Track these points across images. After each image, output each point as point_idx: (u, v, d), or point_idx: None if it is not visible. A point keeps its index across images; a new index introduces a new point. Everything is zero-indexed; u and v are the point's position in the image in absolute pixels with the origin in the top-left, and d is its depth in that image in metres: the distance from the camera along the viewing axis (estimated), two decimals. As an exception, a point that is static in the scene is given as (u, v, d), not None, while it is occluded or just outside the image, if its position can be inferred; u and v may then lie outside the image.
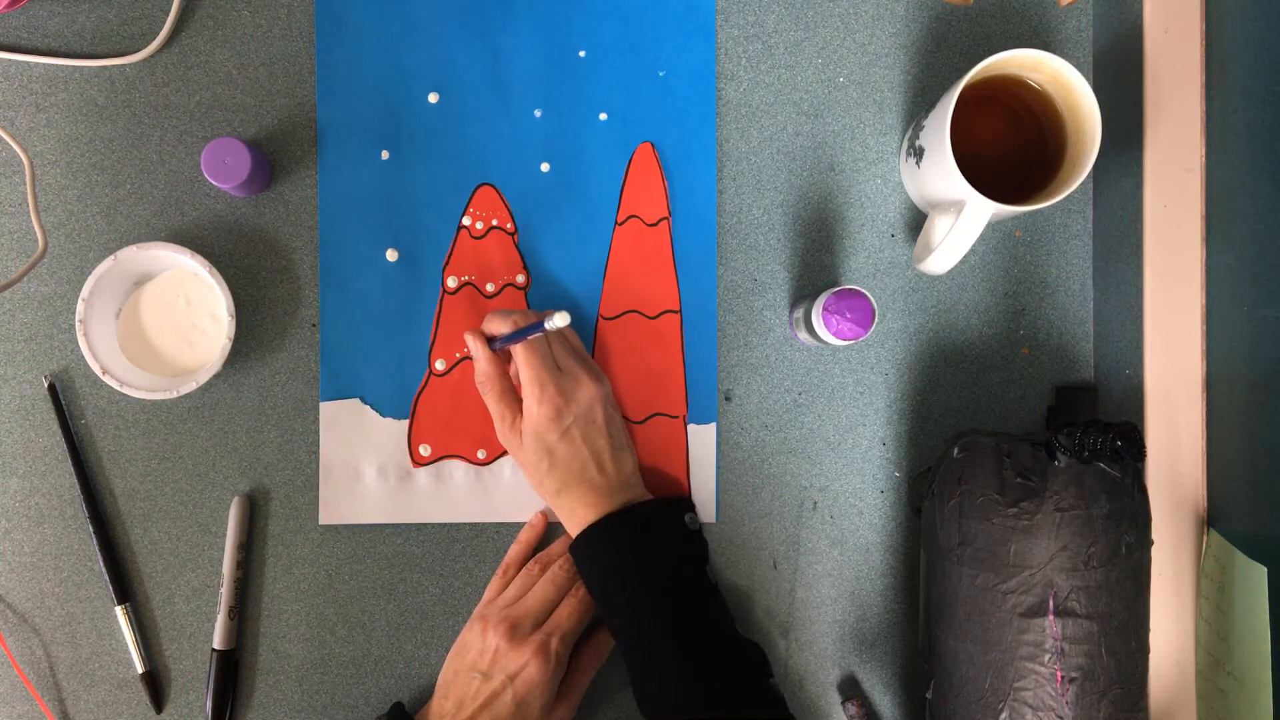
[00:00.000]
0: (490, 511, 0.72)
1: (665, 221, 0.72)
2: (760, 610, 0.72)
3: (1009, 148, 0.69)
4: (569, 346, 0.68)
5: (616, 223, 0.72)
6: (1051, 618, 0.59)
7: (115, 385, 0.66)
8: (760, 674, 0.64)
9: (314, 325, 0.72)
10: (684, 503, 0.68)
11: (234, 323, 0.67)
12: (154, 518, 0.71)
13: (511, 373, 0.68)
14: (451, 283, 0.72)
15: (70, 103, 0.71)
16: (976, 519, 0.61)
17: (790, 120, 0.73)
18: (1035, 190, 0.66)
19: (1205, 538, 0.65)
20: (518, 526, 0.72)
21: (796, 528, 0.72)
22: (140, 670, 0.70)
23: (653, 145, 0.72)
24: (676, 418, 0.72)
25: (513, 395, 0.67)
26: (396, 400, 0.71)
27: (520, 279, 0.72)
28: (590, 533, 0.65)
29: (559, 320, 0.59)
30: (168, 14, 0.71)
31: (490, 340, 0.67)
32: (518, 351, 0.65)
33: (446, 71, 0.72)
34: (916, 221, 0.73)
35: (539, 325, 0.62)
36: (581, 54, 0.72)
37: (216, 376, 0.69)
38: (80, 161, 0.71)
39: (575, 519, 0.66)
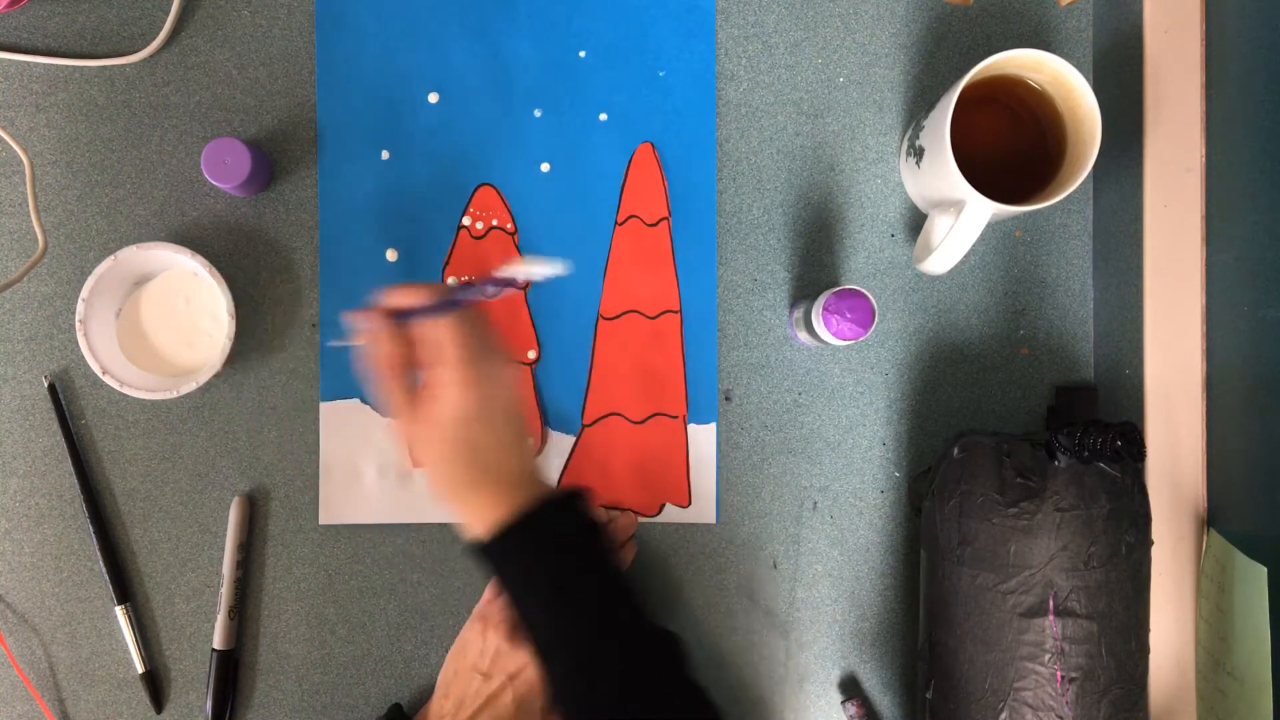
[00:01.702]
0: (490, 511, 0.72)
1: (665, 221, 0.72)
2: (760, 610, 0.72)
3: (1009, 148, 0.69)
4: (490, 329, 0.60)
5: (616, 223, 0.72)
6: (1051, 618, 0.59)
7: (115, 385, 0.66)
8: (681, 665, 0.58)
9: (314, 325, 0.72)
10: (582, 491, 0.60)
11: (234, 323, 0.67)
12: (154, 518, 0.71)
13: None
14: (451, 283, 0.72)
15: (70, 103, 0.71)
16: (976, 519, 0.61)
17: (790, 120, 0.73)
18: (1035, 190, 0.66)
19: (1205, 538, 0.65)
20: (518, 526, 0.72)
21: (796, 528, 0.72)
22: (140, 670, 0.70)
23: (653, 145, 0.72)
24: (676, 418, 0.72)
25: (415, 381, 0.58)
26: (396, 400, 0.71)
27: (520, 279, 0.72)
28: (507, 534, 0.57)
29: (541, 270, 0.51)
30: (168, 14, 0.71)
31: (400, 314, 0.57)
32: (443, 327, 0.56)
33: (446, 71, 0.72)
34: (916, 221, 0.73)
35: (480, 288, 0.53)
36: (581, 54, 0.72)
37: (216, 376, 0.69)
38: (80, 161, 0.71)
39: (478, 516, 0.58)
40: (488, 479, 0.57)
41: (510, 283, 0.55)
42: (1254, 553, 0.59)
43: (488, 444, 0.57)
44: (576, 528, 0.59)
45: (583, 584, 0.57)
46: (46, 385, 0.70)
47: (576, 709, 0.57)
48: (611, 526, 0.71)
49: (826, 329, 0.64)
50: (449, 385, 0.56)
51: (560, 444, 0.72)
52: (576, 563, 0.58)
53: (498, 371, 0.57)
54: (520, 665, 0.63)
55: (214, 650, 0.70)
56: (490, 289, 0.55)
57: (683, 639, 0.59)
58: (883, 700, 0.72)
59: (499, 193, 0.72)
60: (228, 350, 0.67)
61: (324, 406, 0.71)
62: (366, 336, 0.58)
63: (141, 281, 0.70)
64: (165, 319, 0.69)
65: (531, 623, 0.58)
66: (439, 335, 0.56)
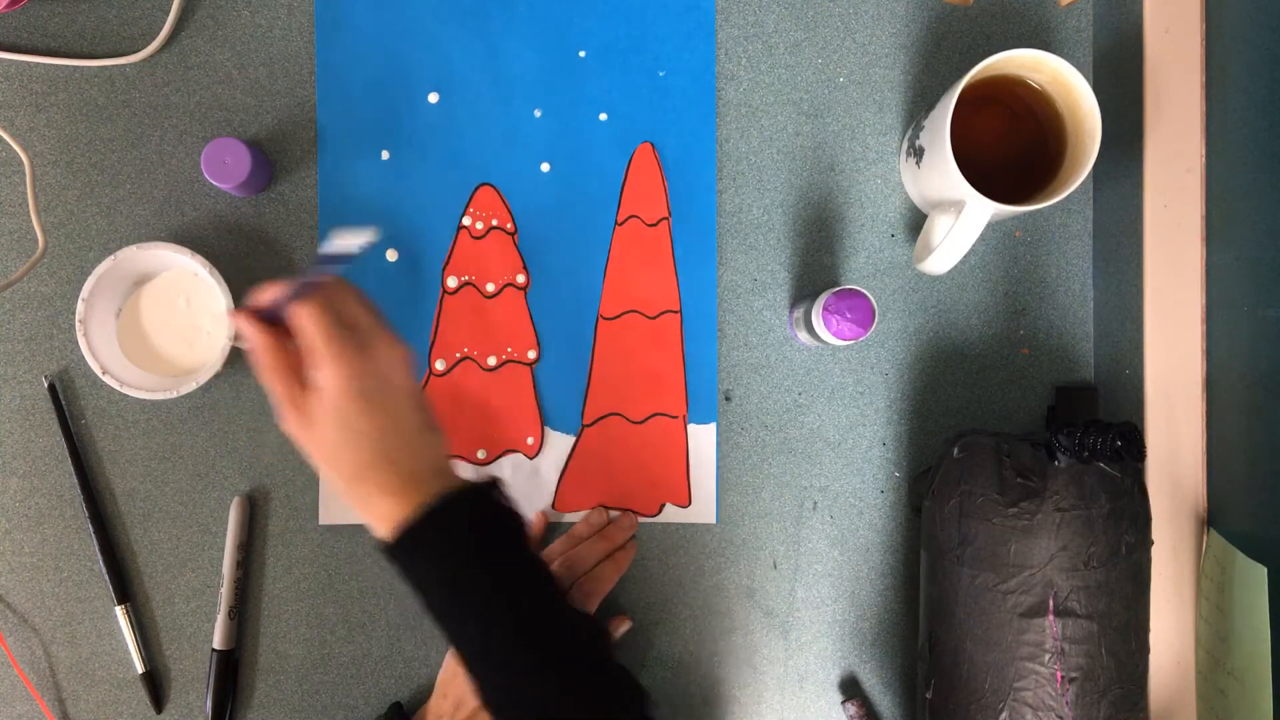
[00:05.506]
0: (490, 511, 0.72)
1: (665, 221, 0.72)
2: (760, 610, 0.72)
3: (1009, 148, 0.69)
4: (363, 305, 0.56)
5: (616, 223, 0.72)
6: (1051, 618, 0.59)
7: (115, 385, 0.66)
8: (601, 649, 0.58)
9: (314, 325, 0.71)
10: (492, 484, 0.57)
11: (234, 323, 0.67)
12: (154, 518, 0.71)
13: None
14: (451, 283, 0.72)
15: (70, 103, 0.71)
16: (976, 519, 0.61)
17: (790, 120, 0.73)
18: (1035, 190, 0.66)
19: (1205, 538, 0.65)
20: (518, 526, 0.72)
21: (796, 528, 0.72)
22: (140, 670, 0.70)
23: (653, 145, 0.72)
24: (676, 418, 0.72)
25: (297, 371, 0.54)
26: (396, 400, 0.71)
27: (520, 279, 0.72)
28: (411, 534, 0.53)
29: (361, 238, 0.50)
30: (168, 14, 0.71)
31: (262, 312, 0.55)
32: (299, 313, 0.53)
33: (446, 71, 0.72)
34: (916, 221, 0.73)
35: (330, 259, 0.52)
36: (581, 54, 0.72)
37: (216, 376, 0.69)
38: (80, 161, 0.71)
39: (378, 513, 0.54)
40: (380, 471, 0.53)
41: (337, 258, 0.54)
42: (1254, 553, 0.59)
43: (373, 430, 0.53)
44: (488, 524, 0.55)
45: (492, 583, 0.54)
46: (46, 385, 0.70)
47: (510, 713, 0.54)
48: (612, 526, 0.71)
49: (826, 329, 0.64)
50: (320, 366, 0.53)
51: (560, 444, 0.72)
52: (487, 564, 0.54)
53: (374, 349, 0.54)
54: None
55: (214, 650, 0.70)
56: (324, 269, 0.53)
57: (602, 622, 0.59)
58: (883, 700, 0.72)
59: (499, 193, 0.72)
60: (228, 350, 0.67)
61: (324, 406, 0.71)
62: (244, 338, 0.55)
63: (141, 281, 0.70)
64: (165, 319, 0.69)
65: (446, 629, 0.55)
66: (301, 321, 0.53)
